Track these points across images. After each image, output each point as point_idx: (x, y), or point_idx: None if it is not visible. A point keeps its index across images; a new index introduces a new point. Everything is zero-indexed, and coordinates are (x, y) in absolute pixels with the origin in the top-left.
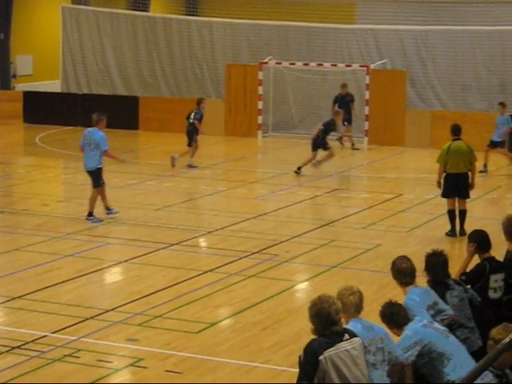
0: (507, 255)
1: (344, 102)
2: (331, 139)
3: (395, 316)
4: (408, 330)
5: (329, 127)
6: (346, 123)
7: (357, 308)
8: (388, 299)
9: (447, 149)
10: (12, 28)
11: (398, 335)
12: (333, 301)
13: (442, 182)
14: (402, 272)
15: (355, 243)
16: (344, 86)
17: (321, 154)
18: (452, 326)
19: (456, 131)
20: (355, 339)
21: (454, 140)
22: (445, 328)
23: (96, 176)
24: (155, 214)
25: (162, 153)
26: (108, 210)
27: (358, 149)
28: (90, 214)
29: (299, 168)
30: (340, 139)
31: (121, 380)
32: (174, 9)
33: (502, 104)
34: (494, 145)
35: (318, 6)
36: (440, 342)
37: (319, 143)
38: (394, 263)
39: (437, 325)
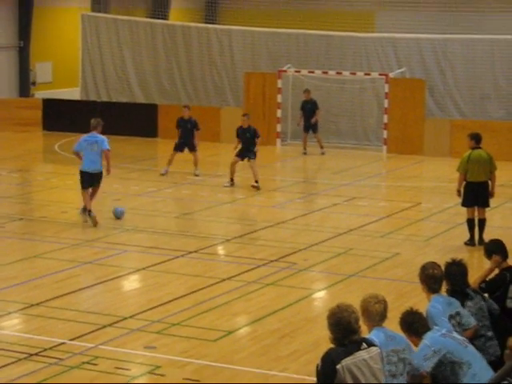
0: None
1: (307, 107)
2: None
3: (415, 324)
4: (427, 339)
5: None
6: (309, 130)
7: (381, 316)
8: (408, 307)
9: (467, 157)
10: (32, 35)
11: (417, 344)
12: (352, 309)
13: (462, 190)
14: (433, 278)
15: (373, 252)
16: (306, 91)
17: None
18: (471, 336)
19: (476, 140)
20: (373, 348)
21: (473, 149)
22: (464, 338)
23: (99, 178)
24: (174, 221)
25: (180, 160)
26: (90, 211)
27: (323, 153)
28: (89, 211)
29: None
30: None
31: None
32: (194, 17)
33: None
34: None
35: (338, 15)
36: (458, 351)
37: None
38: (424, 268)
39: (456, 334)
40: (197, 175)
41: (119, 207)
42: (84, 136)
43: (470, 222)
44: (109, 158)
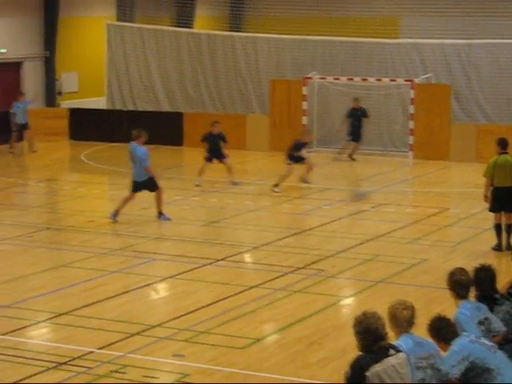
0: None
1: (356, 115)
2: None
3: (443, 330)
4: (455, 345)
5: (298, 143)
6: (351, 138)
7: (409, 323)
8: (436, 313)
9: (494, 163)
10: (57, 46)
11: (445, 350)
12: (378, 316)
13: (489, 196)
14: (460, 284)
15: (400, 258)
16: (356, 99)
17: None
18: (500, 341)
19: (503, 145)
20: (400, 354)
21: (500, 154)
22: (493, 343)
23: (150, 184)
24: (201, 229)
25: (206, 169)
26: (161, 214)
27: (354, 159)
28: (160, 213)
29: (276, 185)
30: (350, 155)
31: None
32: (218, 25)
33: None
34: None
35: (362, 21)
36: (487, 357)
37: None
38: (452, 274)
39: (484, 340)
40: (235, 183)
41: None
42: (130, 144)
43: (498, 227)
44: (150, 172)
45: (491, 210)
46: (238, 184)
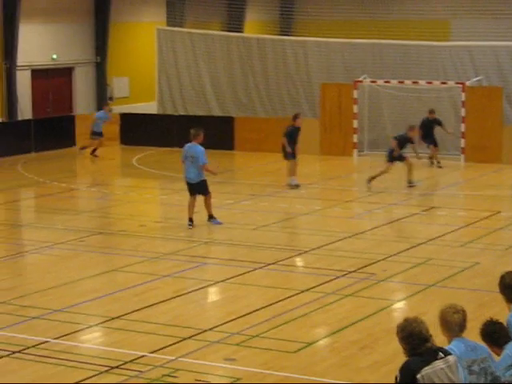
0: None
1: (430, 125)
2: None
3: (496, 334)
4: (508, 349)
5: (402, 139)
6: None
7: (460, 327)
8: (489, 317)
9: None
10: (108, 50)
11: (498, 354)
12: (420, 320)
13: None
14: (511, 287)
15: (452, 261)
16: (432, 111)
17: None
18: None
19: None
20: (450, 357)
21: None
22: None
23: (202, 187)
24: (252, 233)
25: (257, 172)
26: (211, 217)
27: (441, 167)
28: (211, 217)
29: (370, 180)
30: (430, 158)
31: None
32: (269, 29)
33: None
34: None
35: (413, 24)
36: None
37: (396, 156)
38: (503, 278)
39: None
40: (294, 185)
41: None
42: (186, 145)
43: None
44: (208, 170)
45: None
46: (297, 186)
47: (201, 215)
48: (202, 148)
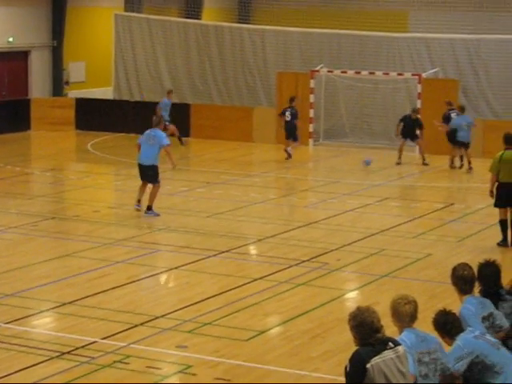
0: None
1: (411, 124)
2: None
3: (448, 325)
4: (459, 340)
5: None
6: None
7: (411, 317)
8: (442, 307)
9: (499, 158)
10: (65, 35)
11: (450, 344)
12: (372, 310)
13: (494, 191)
14: (463, 279)
15: (405, 252)
16: (415, 110)
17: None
18: (504, 337)
19: (509, 140)
20: (399, 348)
21: (506, 149)
22: (497, 340)
23: (153, 172)
24: (206, 221)
25: (212, 160)
26: (149, 209)
27: (427, 164)
28: (149, 208)
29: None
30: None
31: None
32: (226, 16)
33: None
34: None
35: (371, 15)
36: (491, 353)
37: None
38: (455, 269)
39: (489, 336)
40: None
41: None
42: (147, 131)
43: (503, 223)
44: (170, 152)
45: (496, 205)
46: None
47: (156, 202)
48: (163, 132)
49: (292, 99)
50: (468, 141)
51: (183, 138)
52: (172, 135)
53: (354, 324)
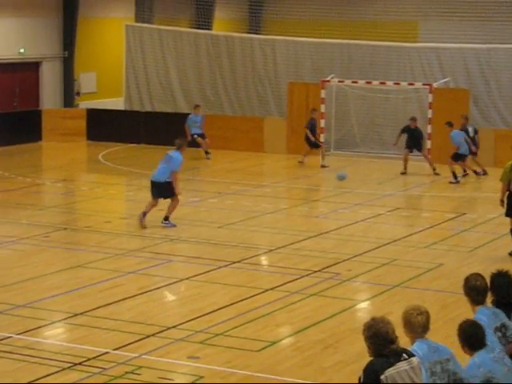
0: None
1: (413, 134)
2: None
3: (473, 339)
4: (478, 357)
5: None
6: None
7: (424, 328)
8: (467, 318)
9: (510, 167)
10: (76, 46)
11: (467, 354)
12: (387, 321)
13: (505, 200)
14: (476, 289)
15: (417, 262)
16: (413, 118)
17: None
18: None
19: None
20: (414, 359)
21: None
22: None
23: (168, 187)
24: (217, 231)
25: (224, 170)
26: (166, 219)
27: (438, 174)
28: (166, 218)
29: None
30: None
31: None
32: (237, 27)
33: None
34: None
35: (381, 25)
36: (505, 380)
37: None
38: (467, 279)
39: (506, 360)
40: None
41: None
42: (171, 151)
43: None
44: (176, 179)
45: (507, 214)
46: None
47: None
48: (181, 157)
49: (313, 111)
50: (467, 153)
51: (209, 153)
52: (199, 146)
53: (368, 334)
